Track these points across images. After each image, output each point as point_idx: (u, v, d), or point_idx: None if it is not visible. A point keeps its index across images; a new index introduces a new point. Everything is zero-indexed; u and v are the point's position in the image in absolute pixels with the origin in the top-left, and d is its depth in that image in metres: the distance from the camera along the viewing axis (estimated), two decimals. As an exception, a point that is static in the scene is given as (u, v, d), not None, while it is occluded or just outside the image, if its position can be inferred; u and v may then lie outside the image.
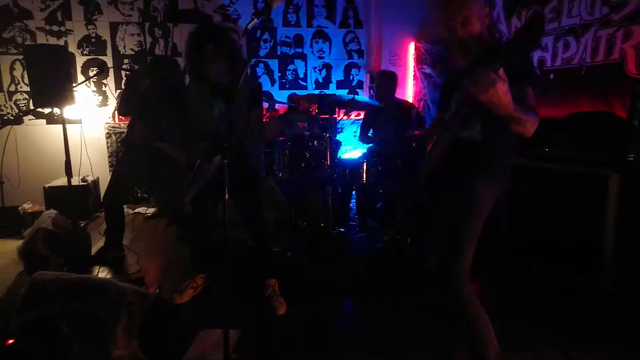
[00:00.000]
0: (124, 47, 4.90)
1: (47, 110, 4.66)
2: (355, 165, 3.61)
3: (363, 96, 5.49)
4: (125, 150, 3.41)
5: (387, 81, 3.95)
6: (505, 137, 1.63)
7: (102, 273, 3.05)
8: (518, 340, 2.14)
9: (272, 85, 5.35)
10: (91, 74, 4.81)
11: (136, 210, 4.70)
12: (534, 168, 2.93)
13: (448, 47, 1.74)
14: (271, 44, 5.28)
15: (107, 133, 4.95)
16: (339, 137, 5.26)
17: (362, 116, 4.45)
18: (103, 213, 4.60)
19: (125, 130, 3.37)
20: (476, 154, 1.66)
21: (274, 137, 3.41)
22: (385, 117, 3.89)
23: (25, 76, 4.52)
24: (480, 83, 1.32)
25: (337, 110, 5.02)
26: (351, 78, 5.59)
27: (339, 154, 3.95)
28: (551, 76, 3.45)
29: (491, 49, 1.63)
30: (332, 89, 5.54)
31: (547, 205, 2.84)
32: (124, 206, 4.66)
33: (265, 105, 4.27)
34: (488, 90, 1.31)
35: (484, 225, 1.69)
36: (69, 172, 3.19)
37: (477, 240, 1.68)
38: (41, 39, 4.66)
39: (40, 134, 4.80)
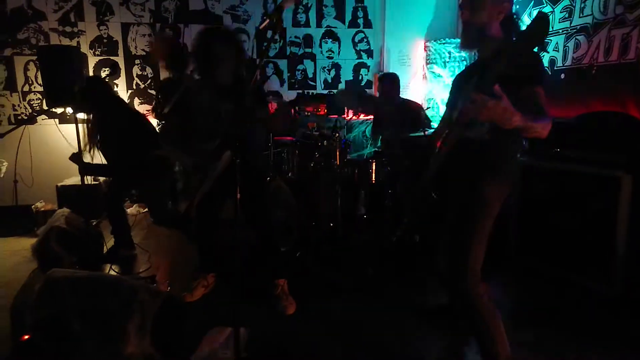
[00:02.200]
0: (136, 47, 4.94)
1: (59, 110, 4.72)
2: (364, 166, 3.61)
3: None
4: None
5: (388, 83, 3.95)
6: (514, 137, 1.62)
7: (115, 271, 3.09)
8: (529, 343, 2.13)
9: (282, 85, 5.36)
10: (103, 74, 4.87)
11: (146, 210, 4.75)
12: (545, 168, 2.90)
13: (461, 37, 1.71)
14: (280, 44, 5.29)
15: (119, 133, 5.00)
16: (347, 137, 5.27)
17: (371, 117, 4.44)
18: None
19: None
20: (484, 153, 1.65)
21: (282, 129, 3.36)
22: (391, 118, 3.88)
23: (39, 76, 4.60)
24: (476, 108, 1.31)
25: (346, 110, 5.03)
26: (360, 78, 5.59)
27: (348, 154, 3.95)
28: (562, 76, 3.42)
29: (498, 50, 1.60)
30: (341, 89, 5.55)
31: (558, 206, 2.82)
32: (135, 205, 4.75)
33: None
34: (486, 114, 1.30)
35: (493, 226, 1.68)
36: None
37: (487, 241, 1.67)
38: (54, 39, 4.72)
39: (53, 134, 4.86)
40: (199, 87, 2.45)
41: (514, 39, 1.32)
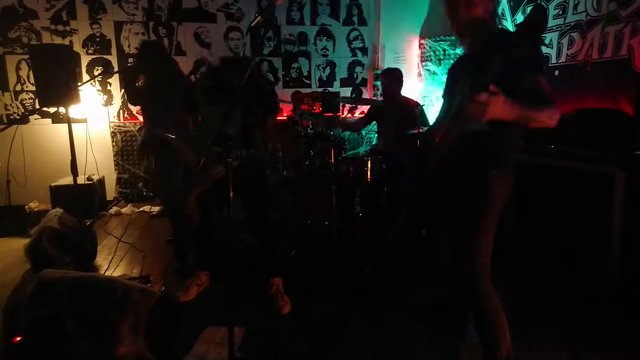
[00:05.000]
0: (129, 46, 4.91)
1: (52, 110, 4.68)
2: (359, 164, 3.60)
3: (366, 97, 5.51)
4: (155, 155, 3.10)
5: (391, 79, 3.93)
6: (515, 127, 1.61)
7: (108, 271, 3.07)
8: (525, 340, 2.13)
9: (276, 83, 5.35)
10: (96, 73, 4.83)
11: (141, 209, 4.73)
12: (538, 165, 2.91)
13: (453, 30, 1.70)
14: (275, 42, 5.28)
15: (112, 132, 4.98)
16: (343, 135, 5.27)
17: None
18: (109, 211, 4.65)
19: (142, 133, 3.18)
20: (486, 145, 1.63)
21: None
22: (390, 115, 3.88)
23: (31, 76, 4.56)
24: (475, 113, 1.29)
25: (341, 107, 5.03)
26: (355, 76, 5.58)
27: (343, 152, 3.94)
28: (556, 72, 3.42)
29: (495, 38, 1.59)
30: (336, 87, 5.54)
31: (552, 203, 2.82)
32: (130, 205, 4.73)
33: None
34: (485, 114, 1.29)
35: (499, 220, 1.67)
36: (74, 171, 3.21)
37: (494, 234, 1.66)
38: (46, 38, 4.69)
39: (46, 133, 4.83)
40: (203, 85, 2.45)
41: (515, 30, 1.31)
